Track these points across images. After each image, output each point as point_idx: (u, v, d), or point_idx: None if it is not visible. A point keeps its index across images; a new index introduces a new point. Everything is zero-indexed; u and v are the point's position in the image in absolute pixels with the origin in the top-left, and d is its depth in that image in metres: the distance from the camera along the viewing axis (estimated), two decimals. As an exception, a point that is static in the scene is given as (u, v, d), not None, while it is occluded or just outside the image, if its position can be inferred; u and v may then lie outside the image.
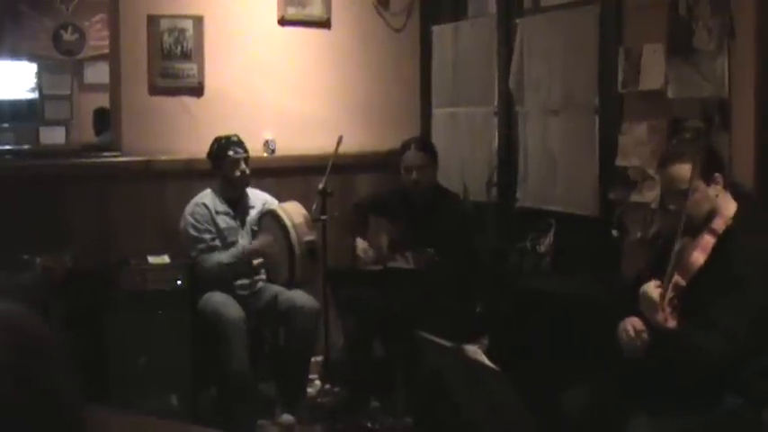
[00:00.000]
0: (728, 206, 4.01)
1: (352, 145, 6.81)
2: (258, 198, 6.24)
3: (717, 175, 4.01)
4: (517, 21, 6.68)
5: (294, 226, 5.88)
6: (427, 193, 6.11)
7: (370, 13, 7.43)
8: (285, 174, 6.86)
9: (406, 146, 6.16)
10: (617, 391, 4.09)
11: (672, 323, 3.73)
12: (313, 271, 6.09)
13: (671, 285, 3.78)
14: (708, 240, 3.92)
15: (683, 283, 3.80)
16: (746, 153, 4.97)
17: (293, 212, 5.96)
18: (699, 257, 3.88)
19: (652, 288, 3.80)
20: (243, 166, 6.04)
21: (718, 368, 3.81)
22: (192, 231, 5.97)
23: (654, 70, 5.52)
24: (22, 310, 1.01)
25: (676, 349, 3.81)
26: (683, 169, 3.97)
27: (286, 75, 7.08)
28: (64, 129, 6.73)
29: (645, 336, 3.95)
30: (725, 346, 3.73)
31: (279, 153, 6.96)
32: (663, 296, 3.74)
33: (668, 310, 3.72)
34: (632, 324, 4.01)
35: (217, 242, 6.00)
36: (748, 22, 5.00)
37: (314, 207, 6.18)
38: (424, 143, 6.27)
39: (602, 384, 4.18)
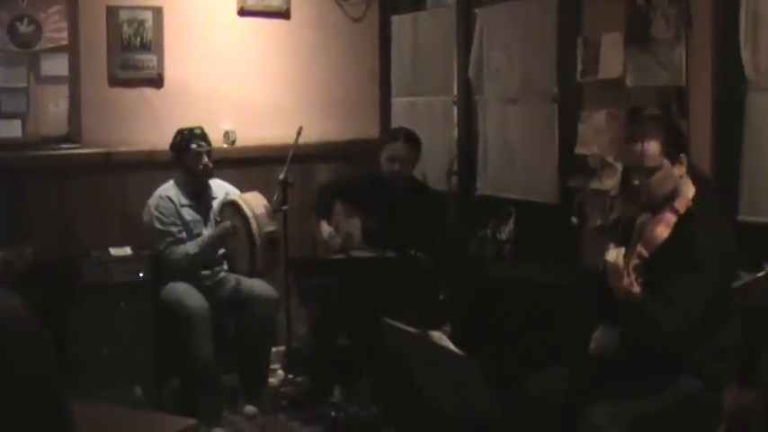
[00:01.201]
0: (689, 189, 4.05)
1: (311, 135, 6.81)
2: (220, 189, 6.23)
3: (682, 155, 4.04)
4: (476, 10, 6.73)
5: (255, 216, 5.88)
6: (404, 185, 6.10)
7: (330, 3, 7.45)
8: (245, 164, 6.85)
9: (393, 136, 6.15)
10: (578, 377, 4.13)
11: (636, 289, 3.75)
12: (274, 261, 6.09)
13: (635, 254, 3.81)
14: (670, 218, 3.95)
15: (645, 253, 3.83)
16: (704, 140, 5.04)
17: (254, 203, 5.96)
18: (663, 232, 3.92)
19: (615, 255, 3.83)
20: (206, 159, 6.02)
21: (673, 343, 3.86)
22: (159, 225, 5.95)
23: (612, 59, 5.57)
24: (15, 307, 1.04)
25: (636, 321, 3.85)
26: (651, 146, 3.98)
27: (246, 65, 7.07)
28: (20, 122, 6.69)
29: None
30: (681, 322, 3.77)
31: (239, 144, 6.96)
32: (627, 263, 3.77)
33: (633, 276, 3.75)
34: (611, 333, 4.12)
35: (183, 235, 5.98)
36: (705, 11, 5.06)
37: (275, 197, 6.17)
38: (411, 136, 6.19)
39: (564, 370, 4.22)
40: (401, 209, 5.99)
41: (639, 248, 3.85)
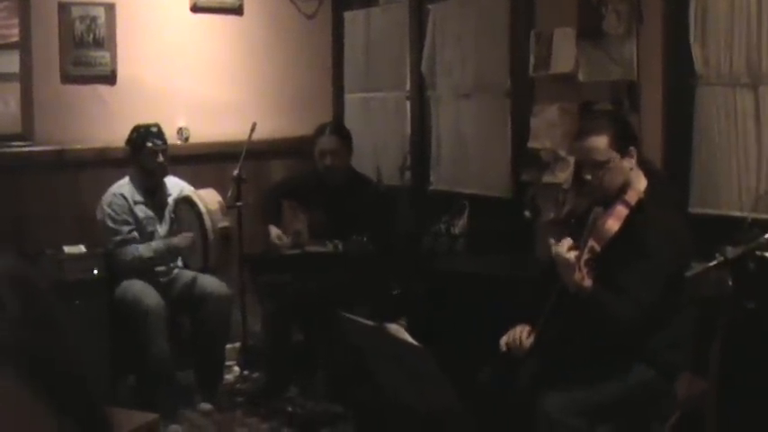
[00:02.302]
0: (640, 181, 4.11)
1: (265, 131, 6.80)
2: (175, 186, 6.22)
3: (631, 148, 4.10)
4: (429, 6, 6.76)
5: (208, 212, 5.88)
6: (341, 178, 6.14)
7: (283, -1, 7.47)
8: (199, 161, 6.83)
9: (320, 131, 6.19)
10: (532, 367, 4.18)
11: (588, 282, 3.81)
12: (227, 257, 6.09)
13: (586, 249, 3.86)
14: (621, 210, 4.01)
15: (597, 248, 3.89)
16: (654, 133, 5.11)
17: (208, 199, 5.95)
18: (613, 225, 3.98)
19: (566, 250, 3.88)
20: (161, 157, 5.99)
21: (626, 333, 3.91)
22: (110, 223, 5.92)
23: (564, 54, 5.63)
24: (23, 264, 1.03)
25: (589, 311, 3.90)
26: (600, 141, 4.06)
27: (199, 62, 7.06)
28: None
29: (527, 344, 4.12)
30: (633, 312, 3.83)
31: (193, 140, 6.94)
32: (579, 257, 3.82)
33: (585, 270, 3.81)
34: (520, 332, 4.18)
35: (135, 234, 5.95)
36: (655, 6, 5.13)
37: (229, 194, 6.17)
38: (338, 128, 6.30)
39: (518, 360, 4.26)
40: (342, 202, 6.03)
41: (591, 243, 3.90)
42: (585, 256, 3.85)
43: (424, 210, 6.77)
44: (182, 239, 5.96)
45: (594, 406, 3.89)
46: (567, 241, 3.93)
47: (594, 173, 4.07)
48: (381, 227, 5.99)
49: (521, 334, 4.20)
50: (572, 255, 3.84)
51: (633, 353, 3.99)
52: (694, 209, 4.99)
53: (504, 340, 4.25)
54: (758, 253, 3.16)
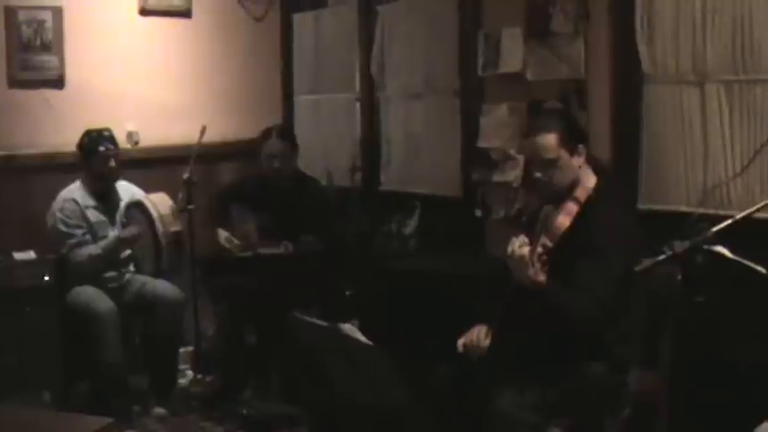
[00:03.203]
0: (589, 178, 4.15)
1: (215, 134, 6.78)
2: (126, 190, 6.19)
3: (580, 146, 4.14)
4: (377, 7, 6.78)
5: (160, 217, 5.87)
6: (289, 181, 6.15)
7: (231, 2, 7.44)
8: (149, 165, 6.80)
9: (266, 134, 6.19)
10: (485, 366, 4.20)
11: (542, 277, 3.84)
12: (179, 261, 6.08)
13: (539, 245, 3.89)
14: (571, 207, 4.05)
15: (549, 243, 3.92)
16: (603, 131, 5.15)
17: (159, 204, 5.95)
18: (564, 221, 4.02)
19: (518, 246, 3.91)
20: (113, 162, 5.97)
21: (580, 328, 3.94)
22: (62, 227, 5.88)
23: (513, 53, 5.67)
24: None
25: (546, 308, 3.93)
26: (549, 139, 4.08)
27: (148, 65, 7.03)
28: None
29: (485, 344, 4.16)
30: (587, 307, 3.86)
31: (143, 144, 6.91)
32: (531, 253, 3.85)
33: (538, 265, 3.83)
34: (478, 332, 4.22)
35: (88, 237, 5.93)
36: (602, 5, 5.18)
37: (180, 197, 6.15)
38: (284, 131, 6.31)
39: (471, 360, 4.28)
40: (289, 204, 6.04)
41: (543, 239, 3.93)
42: (538, 251, 3.87)
43: (375, 210, 6.79)
44: (127, 231, 5.92)
45: (548, 402, 3.91)
46: (521, 238, 3.95)
47: (544, 171, 4.10)
48: (328, 227, 6.00)
49: (478, 335, 4.22)
50: (525, 251, 3.86)
51: (586, 349, 4.01)
52: (643, 205, 5.04)
53: (461, 342, 4.27)
54: (705, 247, 3.20)
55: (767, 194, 4.24)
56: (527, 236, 4.00)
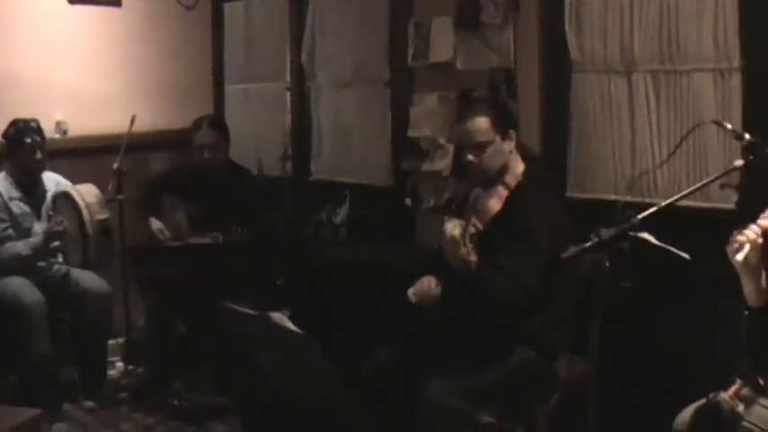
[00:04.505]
0: (518, 165, 4.19)
1: (145, 124, 6.72)
2: (52, 181, 6.12)
3: (511, 131, 4.18)
4: (308, -4, 6.77)
5: (86, 205, 5.80)
6: (220, 171, 6.12)
7: (162, -10, 7.40)
8: (79, 155, 6.72)
9: (198, 124, 6.16)
10: (415, 353, 4.21)
11: (473, 257, 3.85)
12: (108, 251, 6.02)
13: (470, 226, 3.91)
14: (501, 191, 4.10)
15: (480, 226, 3.94)
16: (532, 120, 5.20)
17: (85, 192, 5.87)
18: (495, 204, 4.07)
19: (451, 227, 3.92)
20: (39, 154, 5.89)
21: (510, 313, 3.97)
22: (-16, 220, 5.83)
23: (443, 43, 5.69)
24: None
25: (473, 291, 3.94)
26: (481, 122, 4.12)
27: (77, 54, 6.95)
28: None
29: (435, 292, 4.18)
30: (517, 293, 3.89)
31: (71, 134, 6.83)
32: (463, 234, 3.86)
33: (470, 245, 3.85)
34: (428, 281, 4.23)
35: (10, 231, 5.85)
36: (531, -5, 5.23)
37: (109, 187, 6.10)
38: (215, 121, 6.27)
39: (401, 347, 4.30)
40: (220, 193, 6.01)
41: (474, 221, 3.95)
42: (470, 231, 3.89)
43: (306, 199, 6.79)
44: (53, 225, 5.85)
45: (477, 389, 3.93)
46: (454, 221, 3.97)
47: (476, 154, 4.13)
48: (259, 216, 5.98)
49: (428, 283, 4.24)
50: (457, 232, 3.88)
51: (515, 335, 4.05)
52: (572, 193, 5.11)
53: (411, 291, 4.27)
54: (631, 234, 3.24)
55: (692, 182, 4.28)
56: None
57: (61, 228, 5.80)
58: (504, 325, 4.00)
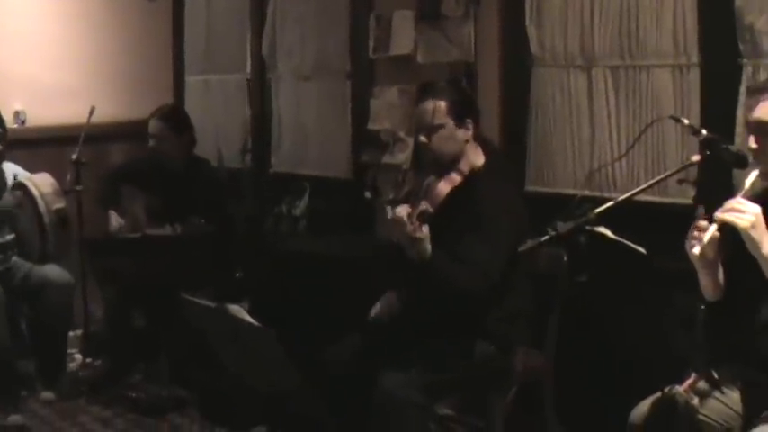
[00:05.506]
0: (477, 156, 4.16)
1: (105, 115, 6.68)
2: (12, 172, 6.07)
3: (468, 120, 4.15)
4: (269, -12, 6.76)
5: (42, 195, 5.75)
6: (178, 162, 6.08)
7: (123, -20, 7.36)
8: (37, 145, 6.68)
9: (150, 115, 6.13)
10: (373, 345, 4.22)
11: (420, 233, 3.82)
12: (67, 242, 5.97)
13: (419, 209, 3.89)
14: (454, 177, 4.09)
15: (430, 209, 3.91)
16: (492, 114, 5.20)
17: (41, 182, 5.83)
18: (444, 188, 4.06)
19: (399, 210, 3.91)
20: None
21: (465, 300, 3.96)
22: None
23: (403, 36, 5.70)
24: None
25: (430, 281, 3.94)
26: (438, 104, 4.09)
27: (36, 44, 6.91)
28: None
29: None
30: (472, 279, 3.88)
31: (30, 124, 6.80)
32: (411, 215, 3.85)
33: (416, 223, 3.83)
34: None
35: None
36: (492, -11, 5.24)
37: (68, 178, 6.06)
38: (164, 113, 6.18)
39: (359, 339, 4.30)
40: (179, 185, 5.97)
41: (424, 204, 3.93)
42: (418, 211, 3.87)
43: (266, 192, 6.79)
44: (6, 201, 5.79)
45: (434, 382, 3.93)
46: (404, 207, 3.95)
47: (429, 135, 4.11)
48: (218, 208, 5.96)
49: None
50: (404, 212, 3.87)
51: (471, 328, 4.05)
52: (531, 187, 5.13)
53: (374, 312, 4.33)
54: (588, 228, 3.25)
55: (650, 177, 4.30)
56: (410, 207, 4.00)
57: (15, 201, 5.73)
58: (464, 318, 4.00)
